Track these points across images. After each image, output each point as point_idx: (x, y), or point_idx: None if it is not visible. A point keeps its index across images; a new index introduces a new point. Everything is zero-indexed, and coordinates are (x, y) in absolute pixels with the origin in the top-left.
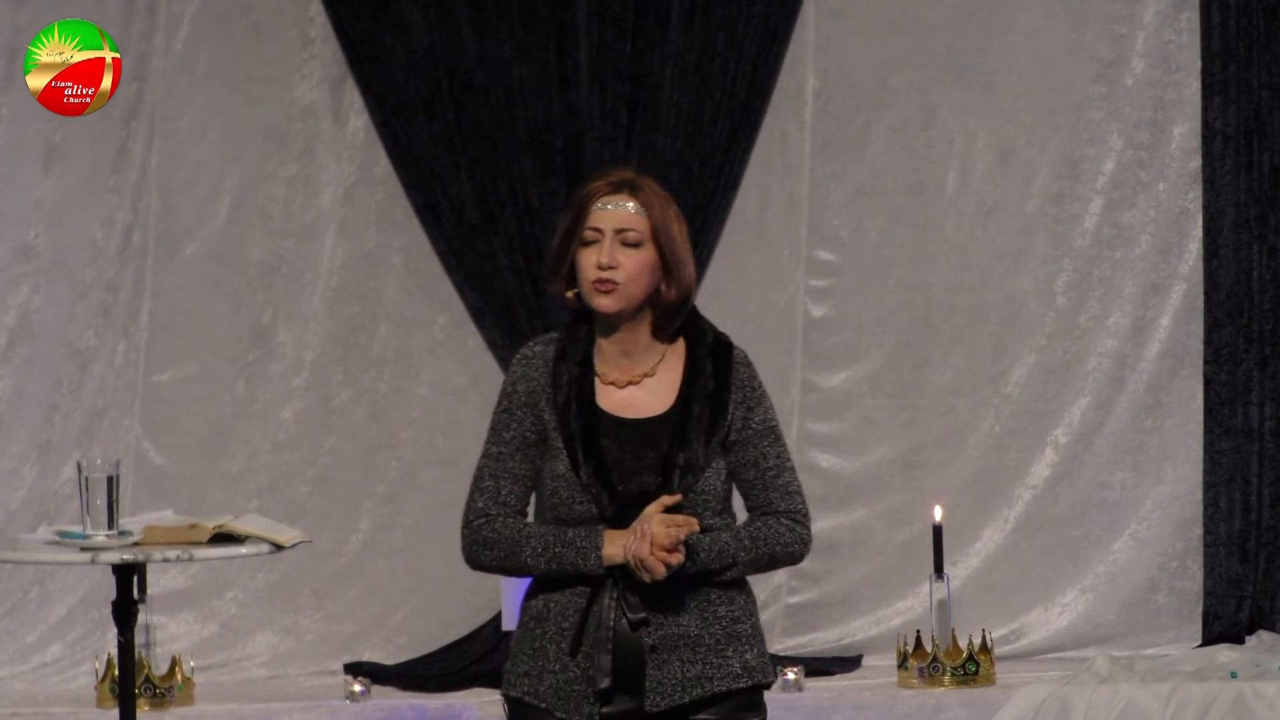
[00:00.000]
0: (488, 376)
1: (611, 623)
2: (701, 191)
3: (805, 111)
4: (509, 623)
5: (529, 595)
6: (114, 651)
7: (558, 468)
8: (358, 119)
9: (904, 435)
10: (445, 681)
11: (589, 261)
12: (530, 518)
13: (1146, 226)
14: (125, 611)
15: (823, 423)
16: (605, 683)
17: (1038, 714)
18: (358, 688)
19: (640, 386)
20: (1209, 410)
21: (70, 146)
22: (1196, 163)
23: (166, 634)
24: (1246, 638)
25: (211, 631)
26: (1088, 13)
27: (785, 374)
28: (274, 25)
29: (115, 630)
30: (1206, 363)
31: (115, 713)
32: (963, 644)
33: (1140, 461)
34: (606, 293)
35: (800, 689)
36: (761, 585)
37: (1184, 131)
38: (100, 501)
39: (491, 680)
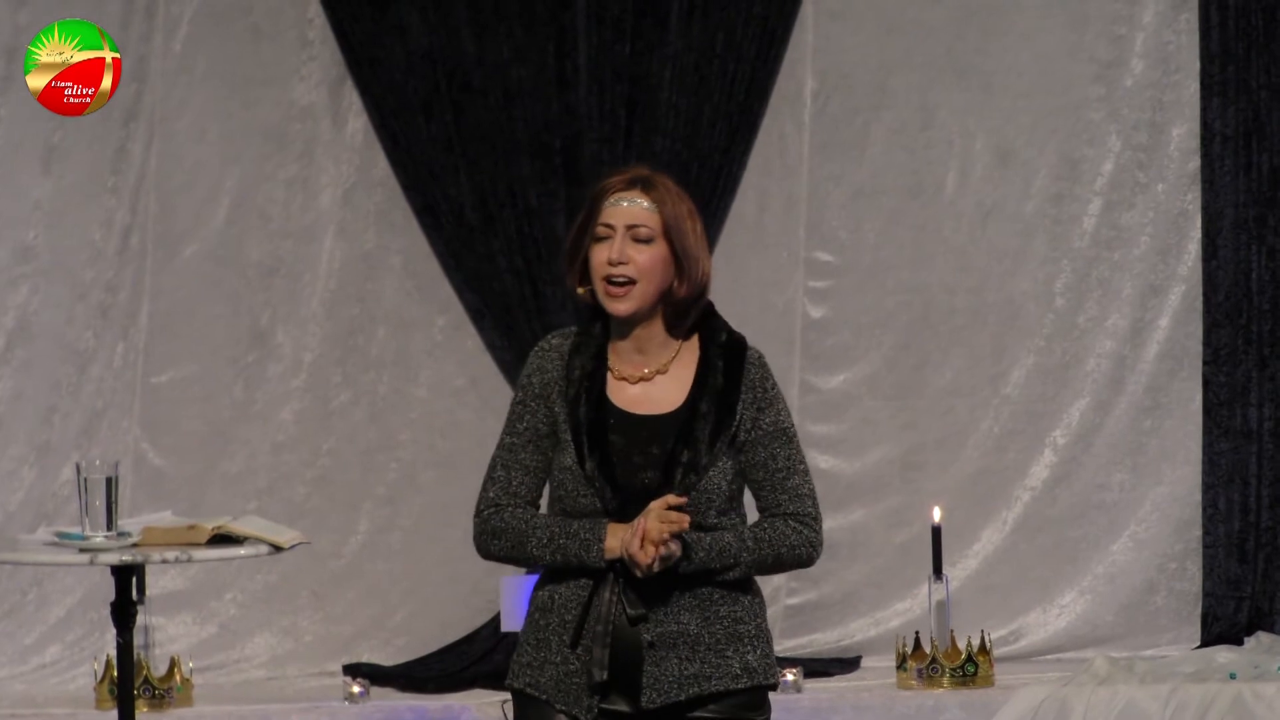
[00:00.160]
0: (487, 378)
1: (611, 617)
2: (700, 193)
3: (804, 113)
4: (508, 624)
5: (538, 586)
6: (113, 653)
7: (565, 460)
8: (356, 120)
9: (903, 436)
10: (444, 683)
11: (600, 257)
12: (544, 510)
13: (1145, 227)
14: (124, 613)
15: (822, 424)
16: (601, 676)
17: (1036, 715)
18: (356, 689)
19: (652, 383)
20: (1208, 411)
21: (69, 148)
22: (1195, 164)
23: (165, 635)
24: (1245, 639)
25: (210, 633)
26: (1087, 14)
27: (784, 375)
28: (273, 26)
29: (114, 631)
30: (1205, 364)
31: (114, 714)
32: (961, 645)
33: (1139, 463)
34: (619, 297)
35: (799, 690)
36: (760, 586)
37: (1183, 132)
38: (99, 503)
39: (490, 681)
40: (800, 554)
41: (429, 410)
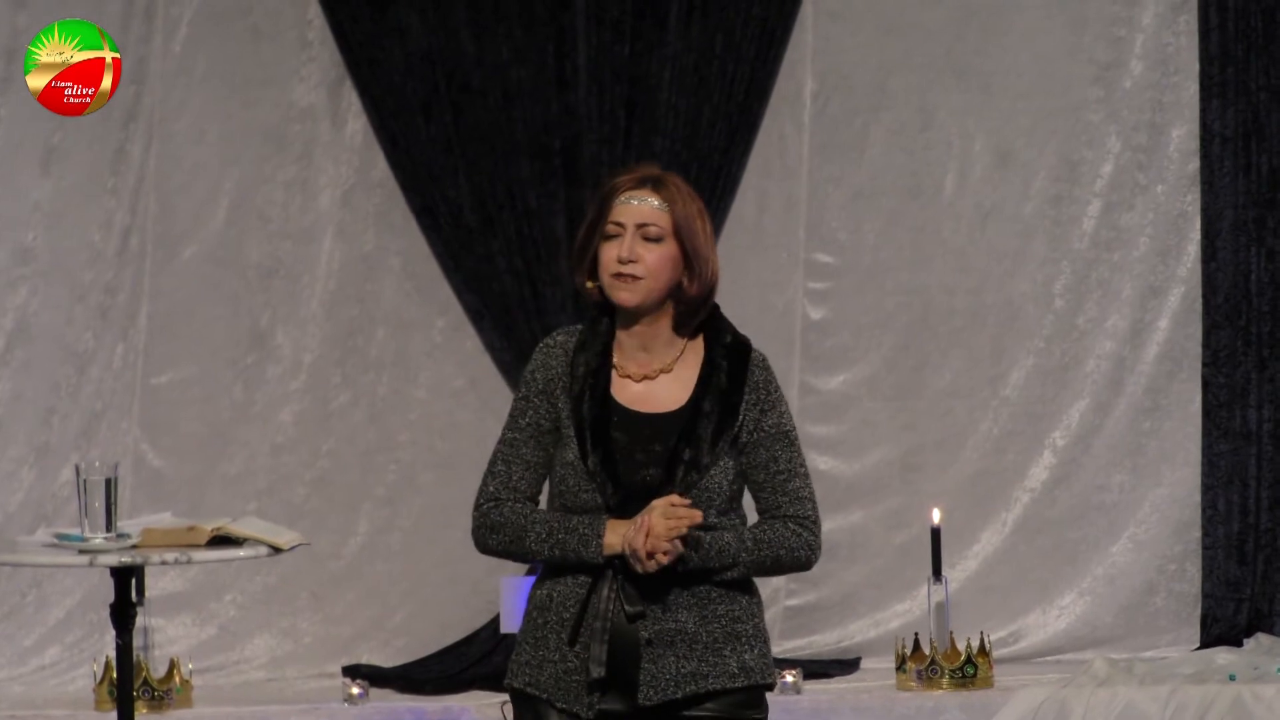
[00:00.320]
0: (486, 379)
1: (609, 614)
2: (700, 194)
3: (803, 114)
4: (507, 625)
5: (536, 585)
6: (112, 654)
7: (567, 455)
8: (356, 121)
9: (902, 437)
10: (443, 684)
11: (609, 255)
12: (544, 506)
13: (1145, 229)
14: (123, 614)
15: (821, 425)
16: (598, 673)
17: (1036, 716)
18: (356, 690)
19: (657, 381)
20: (1207, 413)
21: (68, 149)
22: (1195, 165)
23: (165, 636)
24: (1245, 640)
25: (210, 634)
26: (1086, 15)
27: (784, 376)
28: (272, 27)
29: (113, 633)
30: (1205, 365)
31: (113, 715)
32: (961, 646)
33: (1138, 464)
34: (625, 286)
35: (798, 691)
36: (760, 587)
37: (1182, 134)
38: (98, 504)
39: (490, 683)
40: (799, 557)
41: (428, 411)
